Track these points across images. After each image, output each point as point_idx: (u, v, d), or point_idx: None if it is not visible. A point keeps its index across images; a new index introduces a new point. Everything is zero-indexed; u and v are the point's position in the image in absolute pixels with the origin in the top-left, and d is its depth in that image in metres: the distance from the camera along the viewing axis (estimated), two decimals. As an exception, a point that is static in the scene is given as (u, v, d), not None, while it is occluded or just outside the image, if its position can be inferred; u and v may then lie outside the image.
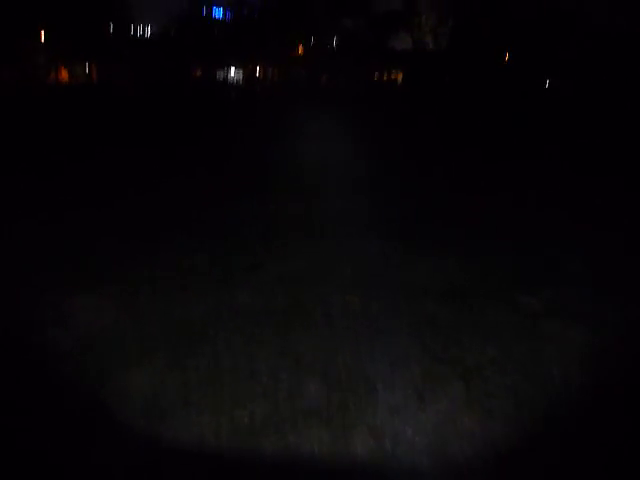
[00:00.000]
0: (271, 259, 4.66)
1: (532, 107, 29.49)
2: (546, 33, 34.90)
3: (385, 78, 54.12)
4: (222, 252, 4.79)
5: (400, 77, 53.31)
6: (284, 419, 2.58)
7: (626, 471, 2.38)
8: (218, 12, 53.36)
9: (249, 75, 55.74)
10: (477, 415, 2.65)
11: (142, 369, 2.91)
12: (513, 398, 2.79)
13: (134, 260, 4.50)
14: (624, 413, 2.71)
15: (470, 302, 3.92)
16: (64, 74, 49.83)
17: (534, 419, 2.64)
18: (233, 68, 56.91)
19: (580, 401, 2.81)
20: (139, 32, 55.15)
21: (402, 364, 3.06)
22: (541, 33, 35.16)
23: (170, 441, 2.40)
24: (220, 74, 56.55)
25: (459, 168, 10.13)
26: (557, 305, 3.93)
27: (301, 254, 4.83)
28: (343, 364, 3.04)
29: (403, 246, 5.16)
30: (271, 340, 3.27)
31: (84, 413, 2.59)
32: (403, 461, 2.35)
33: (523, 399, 2.79)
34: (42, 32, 40.48)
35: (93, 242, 4.91)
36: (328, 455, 2.37)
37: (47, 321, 3.40)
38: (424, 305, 3.84)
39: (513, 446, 2.44)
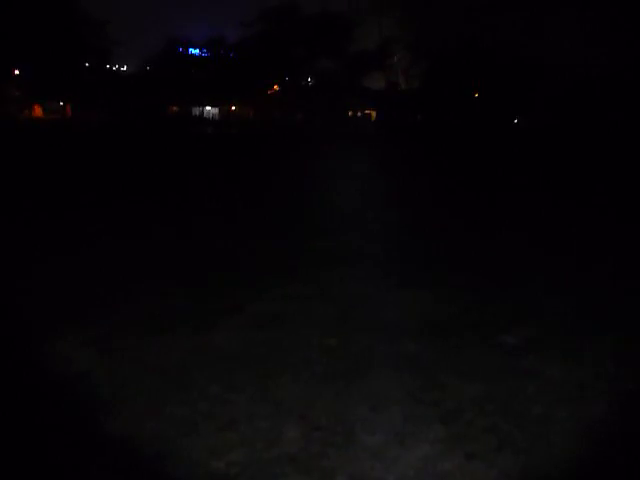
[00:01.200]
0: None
1: (500, 142, 30.45)
2: (513, 76, 36.34)
3: (359, 115, 55.35)
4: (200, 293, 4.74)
5: (374, 115, 54.58)
6: (262, 468, 2.51)
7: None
8: (195, 52, 54.21)
9: (225, 113, 56.35)
10: (458, 459, 2.62)
11: (115, 419, 2.82)
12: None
13: (108, 305, 4.41)
14: (608, 451, 2.71)
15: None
16: (38, 111, 49.64)
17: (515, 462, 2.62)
18: (208, 107, 57.49)
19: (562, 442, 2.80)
20: (115, 68, 55.56)
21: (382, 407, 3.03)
22: (509, 76, 36.60)
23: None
24: (196, 111, 57.04)
25: (434, 197, 10.30)
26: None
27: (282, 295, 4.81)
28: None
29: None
30: (250, 385, 3.21)
31: (55, 466, 2.49)
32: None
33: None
34: (15, 70, 40.43)
35: (66, 287, 4.81)
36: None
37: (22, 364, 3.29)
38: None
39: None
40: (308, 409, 2.99)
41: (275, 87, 53.13)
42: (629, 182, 13.28)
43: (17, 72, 41.33)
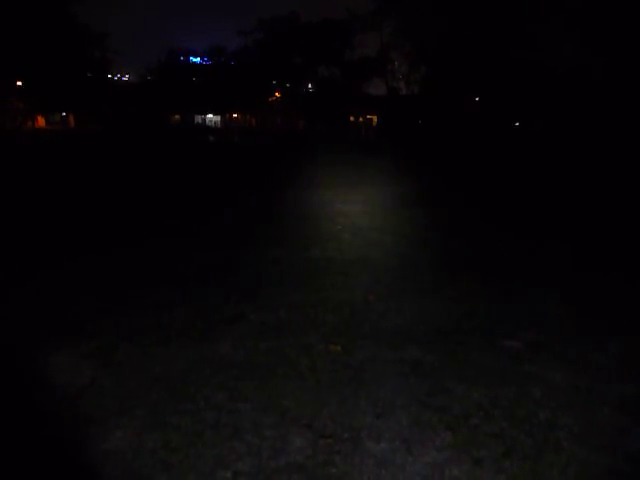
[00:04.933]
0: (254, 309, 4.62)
1: (501, 145, 30.55)
2: (513, 79, 36.46)
3: (360, 120, 55.51)
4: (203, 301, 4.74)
5: (375, 120, 54.76)
6: (269, 477, 2.51)
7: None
8: (196, 61, 54.52)
9: (226, 121, 56.56)
10: (466, 465, 2.61)
11: (120, 430, 2.82)
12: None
13: (110, 315, 4.42)
14: (615, 456, 2.70)
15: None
16: (41, 121, 49.95)
17: (523, 467, 2.61)
18: (210, 114, 57.71)
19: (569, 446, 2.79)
20: (117, 78, 55.91)
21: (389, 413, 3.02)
22: (508, 80, 36.72)
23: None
24: (198, 119, 57.28)
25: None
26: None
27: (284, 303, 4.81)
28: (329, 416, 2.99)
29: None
30: (255, 394, 3.21)
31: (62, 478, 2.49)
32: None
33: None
34: (18, 82, 40.74)
35: (68, 299, 4.82)
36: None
37: (23, 380, 3.29)
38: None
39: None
40: (314, 417, 2.98)
41: (277, 94, 53.33)
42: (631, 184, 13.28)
43: (20, 84, 41.63)
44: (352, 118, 54.37)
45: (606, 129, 32.94)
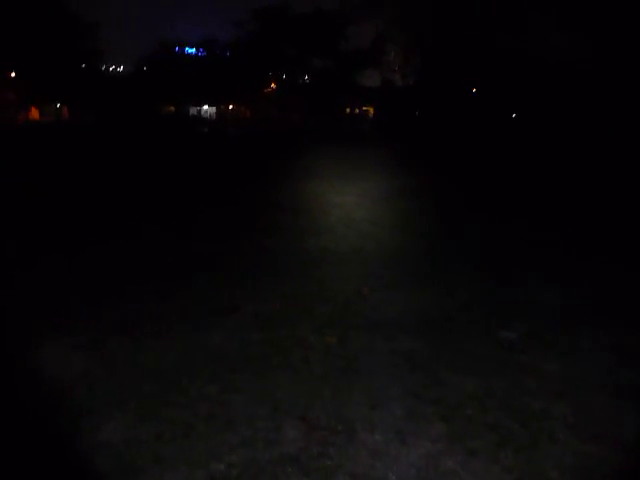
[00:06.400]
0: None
1: (498, 136, 30.63)
2: (508, 70, 36.44)
3: (357, 112, 55.32)
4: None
5: (371, 111, 54.57)
6: (262, 469, 2.49)
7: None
8: (191, 51, 54.12)
9: (221, 112, 56.27)
10: (460, 456, 2.60)
11: (112, 421, 2.79)
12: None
13: (103, 307, 4.38)
14: (610, 445, 2.69)
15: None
16: (35, 113, 49.53)
17: (517, 458, 2.60)
18: (206, 106, 57.40)
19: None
20: (112, 69, 55.48)
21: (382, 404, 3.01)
22: (503, 70, 36.71)
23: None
24: (193, 110, 56.96)
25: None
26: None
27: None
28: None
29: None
30: (248, 386, 3.19)
31: (54, 469, 2.47)
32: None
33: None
34: (12, 73, 40.37)
35: (59, 290, 4.78)
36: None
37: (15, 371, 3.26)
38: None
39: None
40: (308, 409, 2.96)
41: (272, 85, 53.03)
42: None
43: (13, 75, 41.22)
44: (348, 110, 54.15)
45: (599, 120, 33.02)
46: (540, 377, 3.36)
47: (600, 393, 3.18)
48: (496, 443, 2.71)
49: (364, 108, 55.44)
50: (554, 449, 2.67)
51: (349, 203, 9.64)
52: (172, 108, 54.43)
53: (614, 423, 2.88)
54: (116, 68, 57.44)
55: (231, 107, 56.47)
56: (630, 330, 4.09)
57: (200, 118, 54.43)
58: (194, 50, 53.58)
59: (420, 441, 2.71)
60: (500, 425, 2.85)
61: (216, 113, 57.74)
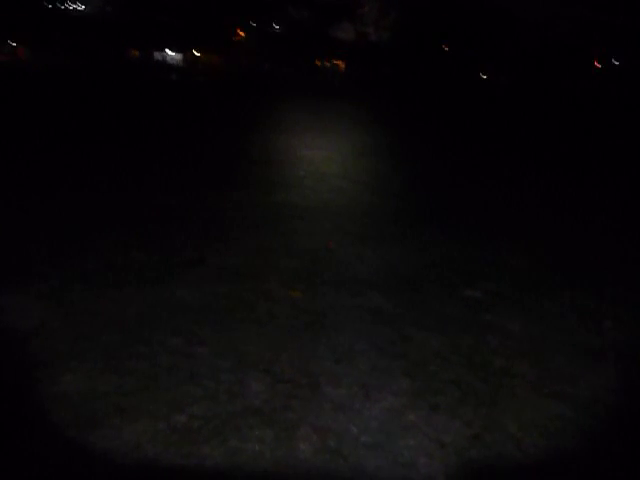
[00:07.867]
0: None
1: (467, 95, 30.60)
2: (483, 28, 36.06)
3: (327, 65, 54.16)
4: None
5: (342, 65, 53.52)
6: (225, 421, 2.46)
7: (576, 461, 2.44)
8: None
9: (190, 59, 54.24)
10: (422, 411, 2.64)
11: (70, 373, 2.71)
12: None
13: (64, 257, 4.22)
14: (568, 402, 2.77)
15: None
16: (-13, 51, 46.67)
17: (477, 413, 2.65)
18: (172, 52, 55.14)
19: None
20: (72, 8, 52.38)
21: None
22: (479, 28, 36.30)
23: (103, 451, 2.24)
24: (158, 56, 54.62)
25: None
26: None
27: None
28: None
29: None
30: (213, 339, 3.14)
31: (10, 421, 2.38)
32: (349, 460, 2.29)
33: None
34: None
35: (17, 240, 4.58)
36: (271, 457, 2.28)
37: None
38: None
39: (458, 441, 2.44)
40: (272, 362, 2.94)
41: (241, 34, 51.20)
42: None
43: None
44: (318, 62, 52.93)
45: (573, 86, 33.29)
46: (503, 335, 3.42)
47: (560, 352, 3.26)
48: (458, 398, 2.75)
49: (335, 62, 54.27)
50: (513, 405, 2.73)
51: (319, 157, 9.50)
52: (136, 53, 52.09)
53: (572, 381, 2.97)
54: (77, 7, 54.25)
55: (199, 55, 54.42)
56: (592, 293, 4.19)
57: (166, 64, 52.29)
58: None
59: (384, 395, 2.73)
60: (462, 381, 2.90)
61: (183, 60, 55.59)
